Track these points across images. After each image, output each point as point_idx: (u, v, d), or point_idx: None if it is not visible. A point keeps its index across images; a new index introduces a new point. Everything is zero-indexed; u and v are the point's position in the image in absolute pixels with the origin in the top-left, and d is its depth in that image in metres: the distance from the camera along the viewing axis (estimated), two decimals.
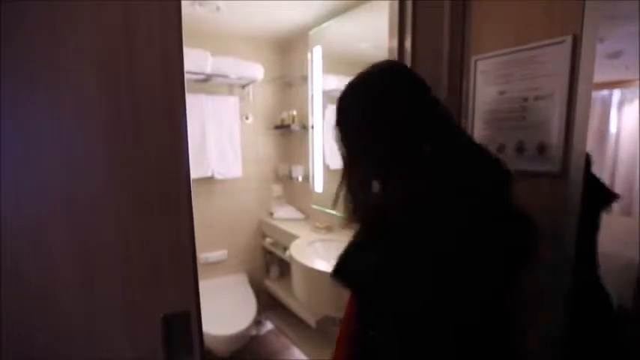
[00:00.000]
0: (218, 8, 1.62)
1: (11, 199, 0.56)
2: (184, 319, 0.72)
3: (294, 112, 2.03)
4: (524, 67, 0.83)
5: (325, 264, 1.43)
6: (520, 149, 0.85)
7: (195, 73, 1.81)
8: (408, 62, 0.94)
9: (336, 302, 1.32)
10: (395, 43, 0.96)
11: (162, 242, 0.68)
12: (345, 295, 0.87)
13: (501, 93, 0.88)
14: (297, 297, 1.63)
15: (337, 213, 1.88)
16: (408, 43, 0.94)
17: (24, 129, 0.56)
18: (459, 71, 0.97)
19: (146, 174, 0.65)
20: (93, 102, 0.59)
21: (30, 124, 0.56)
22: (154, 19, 0.63)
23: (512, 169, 0.60)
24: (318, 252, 1.65)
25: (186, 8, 1.63)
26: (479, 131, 0.92)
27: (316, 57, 1.88)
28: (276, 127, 2.18)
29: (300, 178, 2.10)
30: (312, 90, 1.95)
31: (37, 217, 0.58)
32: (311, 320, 1.70)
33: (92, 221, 0.62)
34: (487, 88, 0.90)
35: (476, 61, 0.93)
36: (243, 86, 2.08)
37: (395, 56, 0.96)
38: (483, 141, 0.90)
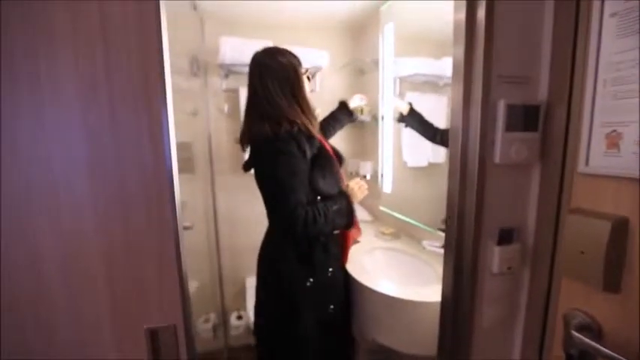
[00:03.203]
0: None
1: None
2: (170, 333, 0.64)
3: (364, 102, 1.82)
4: None
5: (382, 281, 1.21)
6: None
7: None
8: (482, 36, 0.65)
9: (386, 328, 1.10)
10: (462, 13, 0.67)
11: (143, 250, 0.61)
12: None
13: None
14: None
15: (409, 219, 1.62)
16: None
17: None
18: (572, 16, 0.63)
19: (124, 173, 0.59)
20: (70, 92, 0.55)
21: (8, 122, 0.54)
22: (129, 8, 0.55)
23: None
24: (377, 262, 1.43)
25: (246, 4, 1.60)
26: (602, 112, 0.58)
27: (387, 37, 1.63)
28: None
29: (368, 176, 1.89)
30: (382, 76, 1.71)
31: (20, 221, 0.56)
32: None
33: (76, 228, 0.58)
34: (620, 42, 0.55)
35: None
36: (312, 76, 1.96)
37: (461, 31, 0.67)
38: (606, 127, 0.56)
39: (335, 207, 1.07)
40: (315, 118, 1.15)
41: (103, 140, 0.56)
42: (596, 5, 0.57)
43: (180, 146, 1.85)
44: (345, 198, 1.12)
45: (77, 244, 0.58)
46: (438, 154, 1.65)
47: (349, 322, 1.25)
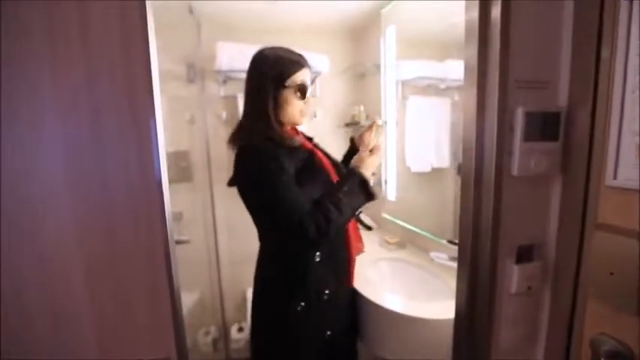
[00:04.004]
0: None
1: None
2: None
3: (362, 108, 1.78)
4: None
5: (388, 294, 1.15)
6: None
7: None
8: (497, 37, 0.60)
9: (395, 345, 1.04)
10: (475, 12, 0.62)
11: (132, 281, 0.56)
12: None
13: None
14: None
15: (414, 227, 1.57)
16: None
17: None
18: (596, 13, 0.57)
19: (108, 190, 0.53)
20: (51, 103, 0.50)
21: None
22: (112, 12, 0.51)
23: None
24: (383, 274, 1.37)
25: (241, 4, 1.56)
26: (631, 119, 0.53)
27: (389, 40, 1.59)
28: (347, 125, 1.96)
29: (371, 182, 1.83)
30: (384, 79, 1.66)
31: None
32: None
33: (56, 251, 0.53)
34: None
35: None
36: (312, 81, 1.92)
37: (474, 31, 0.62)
38: (637, 137, 0.51)
39: (344, 188, 0.92)
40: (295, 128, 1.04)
41: (84, 154, 0.51)
42: (624, 2, 0.53)
43: (177, 155, 1.82)
44: (351, 173, 0.96)
45: (57, 267, 0.52)
46: (441, 158, 1.60)
47: (353, 346, 1.15)
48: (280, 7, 1.60)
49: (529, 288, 0.67)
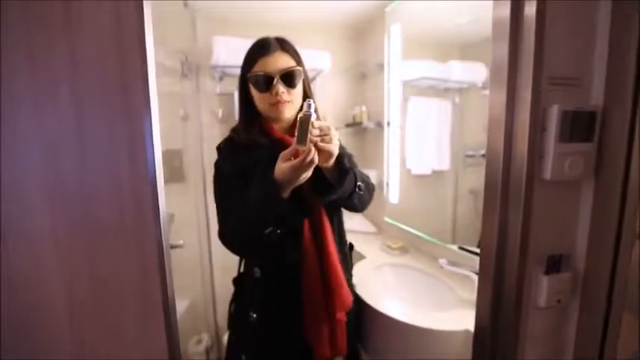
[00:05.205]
0: None
1: None
2: None
3: (364, 108, 1.73)
4: None
5: (393, 303, 1.09)
6: None
7: None
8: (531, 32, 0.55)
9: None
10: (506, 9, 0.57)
11: (118, 288, 0.49)
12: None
13: None
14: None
15: (417, 231, 1.52)
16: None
17: None
18: (635, 5, 0.53)
19: (94, 192, 0.46)
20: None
21: None
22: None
23: None
24: (387, 281, 1.32)
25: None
26: None
27: (394, 38, 1.54)
28: (347, 125, 1.90)
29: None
30: (388, 79, 1.61)
31: None
32: None
33: (33, 259, 0.46)
34: None
35: None
36: (312, 79, 1.86)
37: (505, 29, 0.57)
38: None
39: (255, 194, 0.72)
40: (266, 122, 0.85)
41: (64, 151, 0.44)
42: None
43: (169, 154, 1.74)
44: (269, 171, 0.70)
45: (33, 283, 0.45)
46: (442, 161, 1.57)
47: None
48: (280, 2, 1.54)
49: (558, 301, 0.62)
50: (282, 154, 0.69)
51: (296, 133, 0.66)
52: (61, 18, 0.43)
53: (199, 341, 1.80)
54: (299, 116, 0.66)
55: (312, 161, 0.66)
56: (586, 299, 0.63)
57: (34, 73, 0.42)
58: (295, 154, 0.67)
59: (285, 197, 0.71)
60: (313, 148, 0.66)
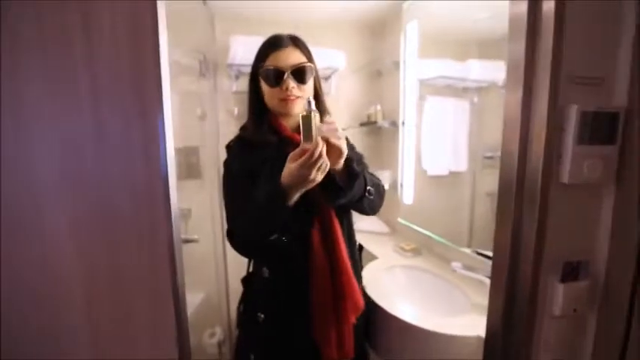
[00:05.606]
0: None
1: None
2: None
3: (379, 107, 1.71)
4: None
5: (404, 305, 1.08)
6: None
7: None
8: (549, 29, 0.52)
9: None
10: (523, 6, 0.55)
11: (132, 277, 0.50)
12: None
13: None
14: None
15: (431, 233, 1.49)
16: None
17: None
18: None
19: (110, 189, 0.48)
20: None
21: None
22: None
23: None
24: (398, 283, 1.30)
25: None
26: None
27: (411, 36, 1.51)
28: (362, 125, 1.89)
29: (386, 186, 1.77)
30: (404, 78, 1.59)
31: None
32: None
33: (52, 253, 0.48)
34: None
35: None
36: (326, 78, 1.86)
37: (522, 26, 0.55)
38: None
39: (261, 198, 0.72)
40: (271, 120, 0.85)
41: (83, 145, 0.46)
42: None
43: (187, 151, 1.78)
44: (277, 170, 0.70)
45: (53, 269, 0.47)
46: (459, 162, 1.53)
47: None
48: (293, 3, 1.54)
49: (575, 310, 0.59)
50: (290, 155, 0.67)
51: (301, 132, 0.65)
52: (79, 18, 0.44)
53: (213, 334, 1.83)
54: (300, 115, 0.65)
55: (320, 156, 0.63)
56: (605, 309, 0.60)
57: (53, 72, 0.44)
58: (303, 154, 0.65)
59: (290, 204, 0.70)
60: (321, 142, 0.64)
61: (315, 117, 0.65)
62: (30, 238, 0.46)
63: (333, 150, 0.67)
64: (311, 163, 0.64)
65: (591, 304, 0.61)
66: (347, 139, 0.81)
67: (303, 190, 0.69)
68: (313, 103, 0.66)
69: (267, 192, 0.70)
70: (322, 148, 0.64)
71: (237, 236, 0.81)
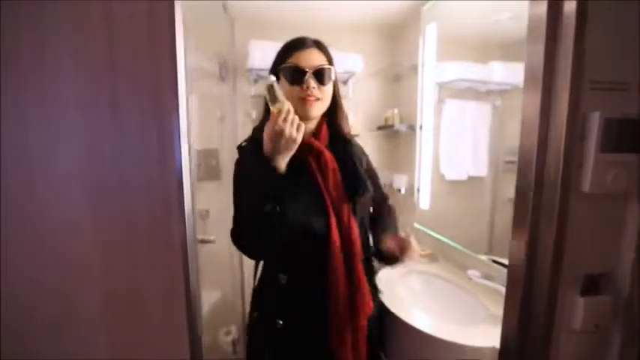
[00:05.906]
0: None
1: None
2: None
3: (396, 111, 1.69)
4: None
5: (418, 313, 1.06)
6: None
7: None
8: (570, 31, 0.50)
9: None
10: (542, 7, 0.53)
11: (147, 281, 0.52)
12: None
13: None
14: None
15: (448, 239, 1.46)
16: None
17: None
18: None
19: (127, 187, 0.50)
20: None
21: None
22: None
23: None
24: (412, 289, 1.28)
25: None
26: None
27: (429, 38, 1.49)
28: (379, 128, 1.88)
29: (403, 190, 1.74)
30: (422, 81, 1.57)
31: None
32: None
33: (73, 249, 0.50)
34: None
35: None
36: (344, 82, 1.86)
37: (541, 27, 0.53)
38: None
39: (249, 172, 0.78)
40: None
41: (103, 145, 0.48)
42: None
43: (207, 153, 1.82)
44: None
45: (71, 263, 0.50)
46: (479, 166, 1.49)
47: None
48: (314, 5, 1.56)
49: (596, 326, 0.56)
50: (265, 125, 0.73)
51: (268, 99, 0.71)
52: (102, 22, 0.47)
53: (228, 332, 1.87)
54: (266, 85, 0.71)
55: (289, 111, 0.70)
56: (629, 325, 0.57)
57: (76, 76, 0.47)
58: (275, 118, 0.70)
59: (278, 171, 0.73)
60: (287, 101, 0.71)
61: (276, 83, 0.72)
62: (54, 236, 0.49)
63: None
64: (282, 119, 0.69)
65: (614, 320, 0.58)
66: (360, 146, 0.89)
67: (289, 153, 0.74)
68: (273, 77, 0.72)
69: (253, 161, 0.76)
70: (289, 105, 0.71)
71: (237, 231, 0.84)
